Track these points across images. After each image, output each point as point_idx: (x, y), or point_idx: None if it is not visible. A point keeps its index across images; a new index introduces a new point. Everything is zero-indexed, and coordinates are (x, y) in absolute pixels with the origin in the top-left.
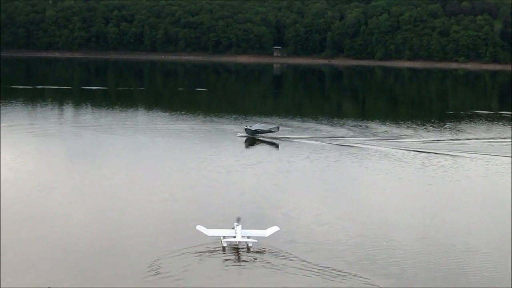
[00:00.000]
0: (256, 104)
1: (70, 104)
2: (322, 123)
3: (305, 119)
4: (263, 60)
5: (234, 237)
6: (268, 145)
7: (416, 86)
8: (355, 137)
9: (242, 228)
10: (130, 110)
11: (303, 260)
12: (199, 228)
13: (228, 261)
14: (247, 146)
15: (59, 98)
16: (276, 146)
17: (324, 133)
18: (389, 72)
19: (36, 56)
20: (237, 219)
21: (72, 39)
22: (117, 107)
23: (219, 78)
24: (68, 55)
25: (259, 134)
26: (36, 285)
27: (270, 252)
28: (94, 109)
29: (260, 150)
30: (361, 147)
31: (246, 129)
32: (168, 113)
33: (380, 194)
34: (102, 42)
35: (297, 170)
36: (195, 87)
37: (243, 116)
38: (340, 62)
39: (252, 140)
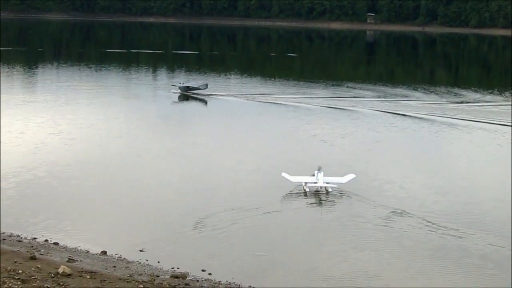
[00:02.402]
0: (349, 70)
1: (164, 68)
2: (415, 90)
3: (398, 85)
4: (356, 26)
5: (316, 182)
6: (199, 102)
7: (510, 54)
8: (447, 103)
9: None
10: (222, 75)
11: (378, 204)
12: (284, 175)
13: (311, 204)
14: (179, 101)
15: (153, 63)
16: (205, 102)
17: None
18: (483, 40)
19: (131, 21)
20: (318, 167)
21: (166, 5)
22: (210, 71)
23: (312, 44)
24: (162, 20)
25: (191, 91)
26: (130, 248)
27: (348, 196)
28: (187, 73)
29: (347, 121)
30: (452, 117)
31: (179, 86)
32: (259, 78)
33: (473, 167)
34: (196, 7)
35: (388, 140)
36: (287, 53)
37: (335, 82)
38: (433, 29)
39: (184, 96)
